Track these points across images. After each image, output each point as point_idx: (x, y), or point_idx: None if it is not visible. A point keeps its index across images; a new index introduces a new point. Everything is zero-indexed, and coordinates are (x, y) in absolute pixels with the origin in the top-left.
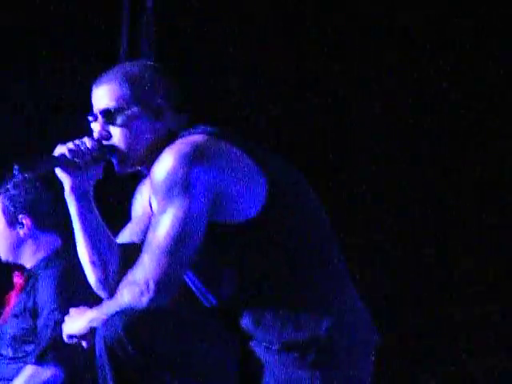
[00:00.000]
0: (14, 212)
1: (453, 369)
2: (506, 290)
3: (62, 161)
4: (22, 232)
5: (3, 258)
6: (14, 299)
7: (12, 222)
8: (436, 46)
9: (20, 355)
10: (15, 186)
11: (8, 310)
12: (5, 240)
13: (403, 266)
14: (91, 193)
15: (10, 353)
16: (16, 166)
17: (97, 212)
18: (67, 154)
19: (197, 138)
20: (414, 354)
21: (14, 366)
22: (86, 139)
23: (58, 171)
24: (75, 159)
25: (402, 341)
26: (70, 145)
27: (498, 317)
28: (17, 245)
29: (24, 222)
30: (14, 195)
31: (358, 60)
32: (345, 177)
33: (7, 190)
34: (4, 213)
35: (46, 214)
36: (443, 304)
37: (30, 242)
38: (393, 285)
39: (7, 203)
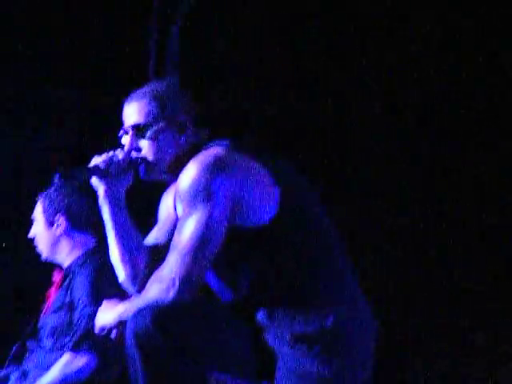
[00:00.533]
0: (52, 213)
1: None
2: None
3: (96, 170)
4: (58, 231)
5: (44, 256)
6: (53, 295)
7: (50, 222)
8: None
9: (58, 346)
10: (55, 190)
11: (48, 305)
12: (44, 239)
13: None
14: (123, 198)
15: (49, 344)
16: (57, 174)
17: (128, 215)
18: (101, 164)
19: (218, 150)
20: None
21: (52, 356)
22: (118, 151)
23: (93, 179)
24: (108, 169)
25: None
26: (104, 156)
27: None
28: (54, 243)
29: (60, 222)
30: (52, 198)
31: (358, 59)
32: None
33: (48, 193)
34: (43, 213)
35: (81, 216)
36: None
37: (65, 241)
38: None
39: (46, 205)
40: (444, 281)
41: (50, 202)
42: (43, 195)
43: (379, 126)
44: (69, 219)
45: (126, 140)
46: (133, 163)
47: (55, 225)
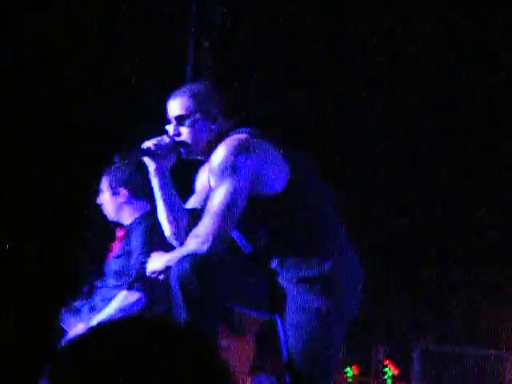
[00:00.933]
0: (116, 185)
1: None
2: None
3: (148, 152)
4: (121, 199)
5: (109, 218)
6: (116, 246)
7: (114, 192)
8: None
9: (119, 284)
10: (116, 168)
11: (111, 254)
12: (110, 205)
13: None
14: (168, 173)
15: (112, 283)
16: (117, 156)
17: (172, 186)
18: (152, 147)
19: (240, 136)
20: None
21: (115, 291)
22: (164, 137)
23: (145, 159)
24: (157, 151)
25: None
26: (154, 141)
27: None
28: (118, 208)
29: (122, 192)
30: (115, 174)
31: (356, 60)
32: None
33: (111, 170)
34: (109, 185)
35: (138, 187)
36: None
37: (127, 206)
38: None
39: (111, 179)
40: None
41: (113, 176)
42: (107, 171)
43: (379, 127)
44: (129, 190)
45: (170, 128)
46: (176, 146)
47: (119, 194)
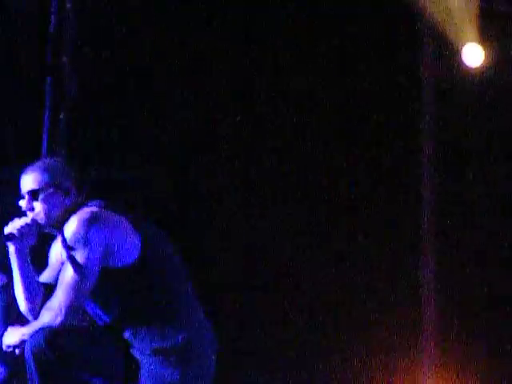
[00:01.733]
0: None
1: None
2: None
3: (9, 237)
4: None
5: None
6: None
7: None
8: None
9: None
10: None
11: None
12: None
13: None
14: (27, 254)
15: None
16: None
17: (30, 265)
18: (15, 232)
19: (91, 208)
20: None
21: None
22: (25, 218)
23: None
24: (21, 236)
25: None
26: (16, 225)
27: None
28: None
29: None
30: None
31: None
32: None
33: None
34: None
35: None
36: None
37: None
38: None
39: None
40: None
41: None
42: None
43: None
44: None
45: (23, 203)
46: (39, 228)
47: None
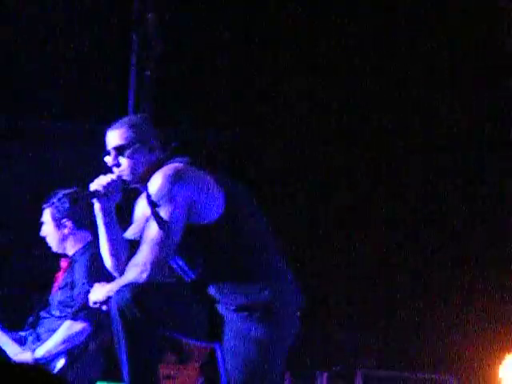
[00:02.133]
0: (60, 217)
1: None
2: None
3: (95, 194)
4: (65, 231)
5: (53, 249)
6: (61, 276)
7: (58, 225)
8: None
9: (63, 315)
10: (58, 200)
11: (56, 284)
12: (54, 237)
13: None
14: (113, 210)
15: (57, 313)
16: (68, 198)
17: (116, 222)
18: (101, 189)
19: (176, 164)
20: None
21: (60, 321)
22: (110, 176)
23: (92, 198)
24: (106, 193)
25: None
26: (102, 181)
27: None
28: (62, 240)
29: (66, 224)
30: (58, 206)
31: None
32: None
33: (53, 203)
34: (52, 218)
35: (82, 218)
36: None
37: (71, 237)
38: None
39: (54, 212)
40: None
41: (56, 209)
42: (48, 203)
43: None
44: (73, 221)
45: (109, 159)
46: (123, 185)
47: (63, 226)
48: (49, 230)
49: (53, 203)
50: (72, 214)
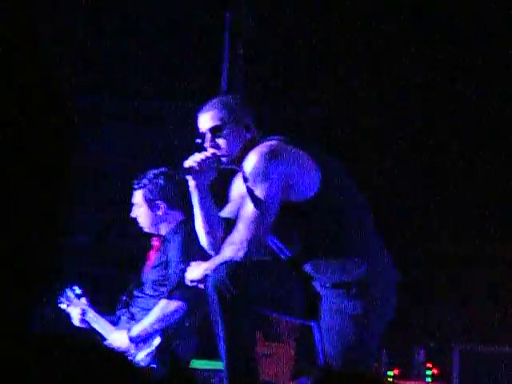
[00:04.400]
0: (153, 199)
1: None
2: None
3: (190, 170)
4: (159, 212)
5: (145, 230)
6: (153, 256)
7: (151, 206)
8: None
9: (157, 294)
10: (150, 182)
11: (149, 263)
12: (147, 219)
13: None
14: (208, 188)
15: (150, 292)
16: (162, 176)
17: (211, 200)
18: (195, 165)
19: (271, 142)
20: None
21: (153, 301)
22: (205, 153)
23: (186, 175)
24: (200, 169)
25: None
26: (196, 158)
27: None
28: (155, 221)
29: (160, 205)
30: (150, 187)
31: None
32: None
33: (145, 184)
34: (145, 200)
35: (174, 198)
36: None
37: (164, 218)
38: None
39: (147, 193)
40: None
41: (149, 191)
42: (139, 185)
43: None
44: (166, 202)
45: (206, 140)
46: (218, 161)
47: (157, 207)
48: (141, 211)
49: (144, 184)
50: (165, 194)
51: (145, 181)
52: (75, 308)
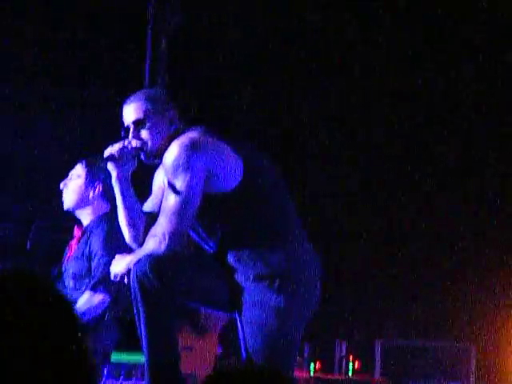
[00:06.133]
0: (94, 178)
1: None
2: None
3: (111, 158)
4: (93, 194)
5: (66, 207)
6: (74, 246)
7: (89, 185)
8: None
9: (78, 287)
10: (99, 161)
11: (69, 254)
12: (77, 195)
13: None
14: (129, 179)
15: (72, 284)
16: (84, 161)
17: (132, 191)
18: (115, 153)
19: (193, 133)
20: None
21: (75, 294)
22: (125, 141)
23: (108, 165)
24: (120, 157)
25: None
26: (116, 147)
27: None
28: (83, 201)
29: (97, 187)
30: (97, 167)
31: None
32: None
33: (93, 161)
34: (86, 175)
35: (107, 187)
36: None
37: (93, 203)
38: None
39: (91, 170)
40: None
41: (95, 168)
42: (87, 161)
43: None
44: (103, 187)
45: (129, 133)
46: (138, 151)
47: (93, 188)
48: (74, 184)
49: (92, 161)
50: (105, 179)
51: (97, 158)
52: None
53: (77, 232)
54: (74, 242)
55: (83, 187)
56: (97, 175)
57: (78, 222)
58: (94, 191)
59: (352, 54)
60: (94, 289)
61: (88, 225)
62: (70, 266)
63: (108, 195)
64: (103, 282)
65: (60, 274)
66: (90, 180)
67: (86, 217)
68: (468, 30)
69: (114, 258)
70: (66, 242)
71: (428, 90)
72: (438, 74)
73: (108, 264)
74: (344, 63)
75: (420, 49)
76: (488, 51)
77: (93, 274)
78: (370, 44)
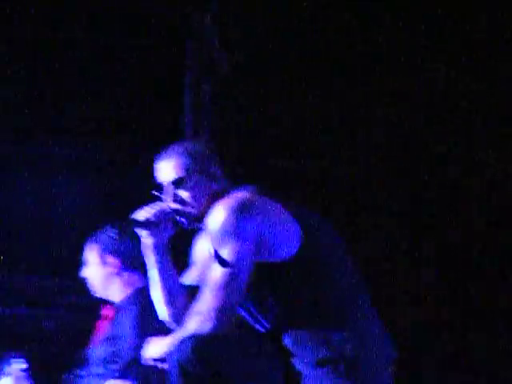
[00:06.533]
0: (105, 254)
1: None
2: None
3: (145, 224)
4: (111, 270)
5: (96, 293)
6: (103, 327)
7: (104, 262)
8: None
9: (106, 373)
10: (104, 234)
11: (98, 336)
12: (98, 278)
13: None
14: (166, 247)
15: (100, 371)
16: (116, 229)
17: (170, 262)
18: (150, 217)
19: (241, 194)
20: None
21: (102, 381)
22: (160, 204)
23: (141, 232)
24: (156, 222)
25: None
26: (151, 210)
27: None
28: (106, 281)
29: (113, 262)
30: (105, 241)
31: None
32: None
33: (99, 237)
34: (98, 255)
35: (131, 257)
36: None
37: (117, 279)
38: None
39: (100, 247)
40: None
41: (103, 244)
42: (94, 239)
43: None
44: (120, 260)
45: (166, 194)
46: (178, 214)
47: (108, 264)
48: (92, 269)
49: (97, 238)
50: (119, 250)
51: (98, 234)
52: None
53: (105, 311)
54: (102, 324)
55: (100, 269)
56: (107, 249)
57: (106, 301)
58: (112, 267)
59: (352, 53)
60: (122, 375)
61: (120, 302)
62: (98, 350)
63: (136, 265)
64: (133, 368)
65: (86, 361)
66: (101, 258)
67: (116, 293)
68: (468, 30)
69: (144, 340)
70: (89, 322)
71: (428, 90)
72: (437, 74)
73: (140, 348)
74: (344, 63)
75: (420, 49)
76: (488, 51)
77: (121, 358)
78: (370, 44)
